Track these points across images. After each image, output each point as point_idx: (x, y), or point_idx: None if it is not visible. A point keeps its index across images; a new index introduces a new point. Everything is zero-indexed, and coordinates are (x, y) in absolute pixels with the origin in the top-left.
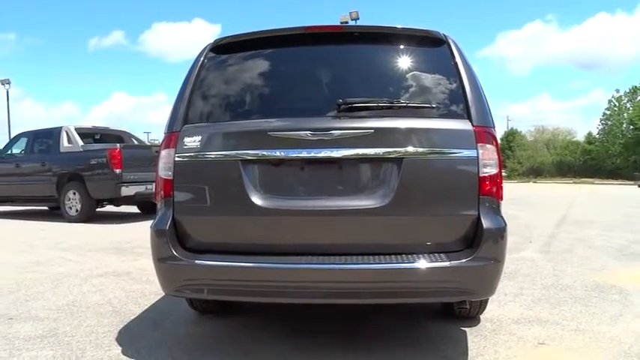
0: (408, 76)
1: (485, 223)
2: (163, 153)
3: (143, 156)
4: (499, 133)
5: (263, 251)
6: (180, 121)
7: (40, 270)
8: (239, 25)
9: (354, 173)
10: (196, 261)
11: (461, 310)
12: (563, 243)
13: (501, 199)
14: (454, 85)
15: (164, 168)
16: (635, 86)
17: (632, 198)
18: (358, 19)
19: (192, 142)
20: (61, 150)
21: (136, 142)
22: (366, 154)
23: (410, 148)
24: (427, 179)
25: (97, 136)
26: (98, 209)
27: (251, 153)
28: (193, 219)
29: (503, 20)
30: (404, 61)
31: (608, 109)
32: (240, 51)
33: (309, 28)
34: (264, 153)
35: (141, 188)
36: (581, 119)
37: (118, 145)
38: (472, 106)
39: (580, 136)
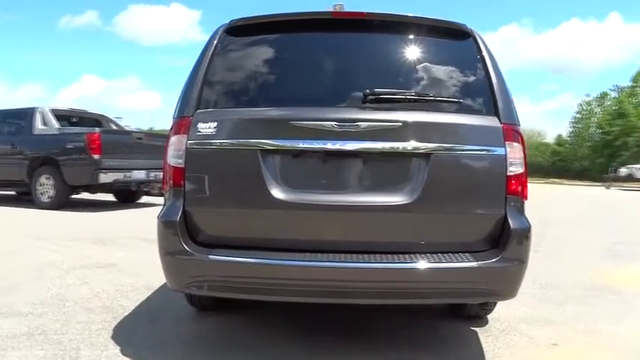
0: (433, 68)
1: (512, 223)
2: (173, 139)
3: (123, 142)
4: None
5: (282, 247)
6: (192, 106)
7: (17, 261)
8: (220, 11)
9: (381, 168)
10: (210, 256)
11: (471, 310)
12: (552, 243)
13: (526, 198)
14: (481, 80)
15: (174, 155)
16: (604, 92)
17: (603, 198)
18: None
19: (206, 128)
20: (35, 132)
21: (114, 127)
22: (393, 148)
23: (438, 144)
24: (455, 176)
25: (74, 119)
26: (72, 196)
27: (271, 142)
28: (206, 210)
29: (479, 23)
30: (430, 53)
31: (578, 112)
32: (257, 34)
33: (333, 13)
34: (286, 143)
35: (120, 175)
36: (551, 121)
37: (96, 129)
38: (500, 102)
39: (550, 138)
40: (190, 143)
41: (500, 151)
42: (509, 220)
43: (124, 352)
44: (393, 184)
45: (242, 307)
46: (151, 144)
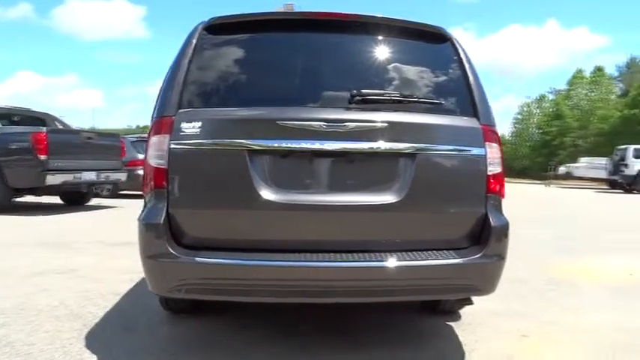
0: (414, 70)
1: (493, 221)
2: (155, 139)
3: (71, 142)
4: None
5: (269, 248)
6: (173, 106)
7: None
8: (165, 8)
9: (368, 168)
10: (197, 258)
11: (445, 306)
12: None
13: (503, 197)
14: (460, 83)
15: (156, 156)
16: (543, 94)
17: (544, 196)
18: None
19: (190, 128)
20: None
21: (61, 127)
22: (380, 148)
23: (423, 144)
24: (438, 176)
25: (16, 118)
26: (16, 199)
27: (259, 143)
28: (191, 212)
29: None
30: (410, 55)
31: (519, 113)
32: (238, 33)
33: (316, 13)
34: (274, 143)
35: (69, 177)
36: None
37: (43, 128)
38: (478, 104)
39: None
40: (173, 143)
41: (480, 151)
42: (490, 218)
43: None
44: (381, 184)
45: (219, 309)
46: (101, 144)
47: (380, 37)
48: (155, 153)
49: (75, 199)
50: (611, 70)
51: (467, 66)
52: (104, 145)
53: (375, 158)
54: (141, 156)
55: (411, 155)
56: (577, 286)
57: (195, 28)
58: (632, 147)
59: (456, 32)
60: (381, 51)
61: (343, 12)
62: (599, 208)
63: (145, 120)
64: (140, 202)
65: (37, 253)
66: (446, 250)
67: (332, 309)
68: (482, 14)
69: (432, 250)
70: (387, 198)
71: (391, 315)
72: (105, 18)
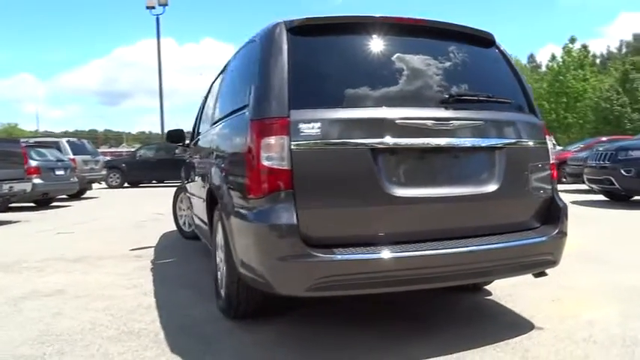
0: (481, 71)
1: (560, 203)
2: (270, 141)
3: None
4: None
5: (396, 240)
6: (284, 107)
7: None
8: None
9: (469, 161)
10: (337, 256)
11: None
12: None
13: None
14: (514, 83)
15: (276, 157)
16: None
17: None
18: (167, 4)
19: (310, 128)
20: None
21: None
22: (479, 144)
23: (510, 139)
24: (521, 166)
25: None
26: None
27: (381, 141)
28: (318, 212)
29: None
30: (475, 58)
31: None
32: (328, 34)
33: (398, 18)
34: (394, 141)
35: None
36: None
37: None
38: (533, 102)
39: None
40: (294, 144)
41: (546, 143)
42: (557, 200)
43: None
44: (479, 176)
45: (286, 311)
46: None
47: (450, 41)
48: (272, 154)
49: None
50: None
51: (515, 68)
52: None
53: (473, 152)
54: (34, 163)
55: (501, 149)
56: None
57: (277, 30)
58: None
59: None
60: (454, 53)
61: (420, 18)
62: None
63: None
64: (43, 214)
65: None
66: (525, 230)
67: (393, 302)
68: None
69: (517, 231)
70: (487, 188)
71: (439, 299)
72: None
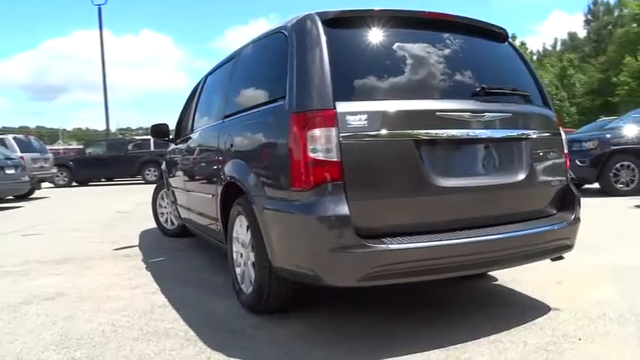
0: (501, 65)
1: (574, 190)
2: (318, 132)
3: None
4: None
5: (439, 229)
6: (329, 99)
7: None
8: None
9: (502, 152)
10: (391, 245)
11: None
12: None
13: None
14: (528, 77)
15: (325, 149)
16: None
17: None
18: None
19: (357, 120)
20: None
21: None
22: (509, 135)
23: (533, 130)
24: (543, 156)
25: None
26: None
27: (424, 132)
28: (368, 202)
29: (229, 16)
30: (495, 52)
31: None
32: (358, 26)
33: (428, 13)
34: (437, 132)
35: None
36: None
37: None
38: (547, 95)
39: None
40: (343, 136)
41: (560, 134)
42: (572, 188)
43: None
44: (509, 165)
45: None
46: None
47: (473, 36)
48: (320, 146)
49: None
50: None
51: (528, 62)
52: None
53: (504, 143)
54: None
55: (527, 139)
56: None
57: (313, 22)
58: None
59: (259, 23)
60: (478, 48)
61: (447, 13)
62: None
63: None
64: None
65: None
66: (545, 217)
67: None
68: (286, 5)
69: (539, 218)
70: (516, 177)
71: (453, 287)
72: None
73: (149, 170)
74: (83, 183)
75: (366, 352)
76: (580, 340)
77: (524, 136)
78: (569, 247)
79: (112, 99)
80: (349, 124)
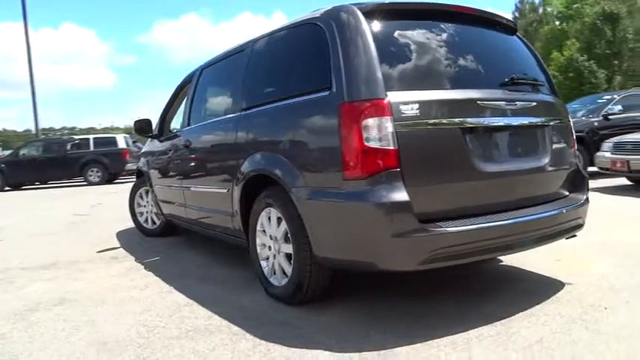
0: (519, 57)
1: (584, 172)
2: (375, 122)
3: None
4: None
5: (483, 212)
6: (381, 89)
7: None
8: None
9: (531, 138)
10: (448, 229)
11: None
12: None
13: None
14: (538, 67)
15: (381, 138)
16: None
17: None
18: None
19: (409, 109)
20: None
21: None
22: (536, 122)
23: (552, 117)
24: (559, 141)
25: None
26: None
27: (470, 121)
28: (423, 188)
29: (158, 9)
30: (513, 45)
31: None
32: (397, 18)
33: (457, 7)
34: (478, 120)
35: None
36: None
37: None
38: (554, 85)
39: None
40: (397, 124)
41: (569, 121)
42: (582, 170)
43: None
44: (535, 150)
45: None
46: None
47: (494, 29)
48: (377, 135)
49: None
50: None
51: (536, 53)
52: None
53: (532, 130)
54: None
55: (549, 126)
56: None
57: (354, 13)
58: None
59: (190, 17)
60: (499, 40)
61: (472, 7)
62: None
63: None
64: None
65: None
66: (560, 199)
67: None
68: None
69: (556, 200)
70: (542, 161)
71: (469, 270)
72: None
73: (92, 171)
74: (17, 187)
75: (421, 331)
76: (606, 309)
77: (546, 123)
78: (581, 226)
79: (29, 96)
80: (402, 113)
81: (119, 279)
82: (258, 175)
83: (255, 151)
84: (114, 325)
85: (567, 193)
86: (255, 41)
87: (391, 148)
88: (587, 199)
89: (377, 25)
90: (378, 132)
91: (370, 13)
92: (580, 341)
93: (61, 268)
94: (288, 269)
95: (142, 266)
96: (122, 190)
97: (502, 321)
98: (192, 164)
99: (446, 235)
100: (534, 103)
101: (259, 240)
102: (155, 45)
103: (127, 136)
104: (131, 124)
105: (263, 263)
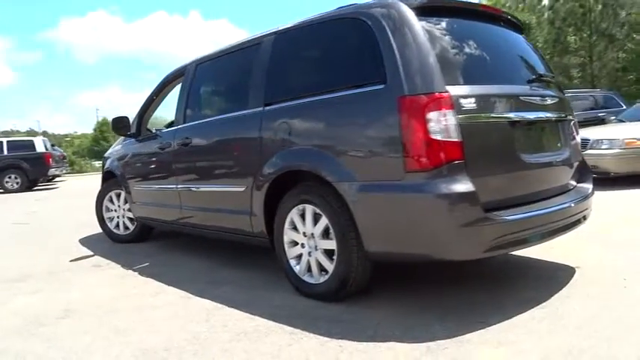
0: (532, 55)
1: (589, 166)
2: (436, 114)
3: None
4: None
5: (530, 200)
6: (442, 83)
7: None
8: None
9: (556, 131)
10: (509, 217)
11: None
12: None
13: None
14: (544, 64)
15: (446, 130)
16: None
17: None
18: None
19: (468, 102)
20: None
21: None
22: (560, 116)
23: (566, 112)
24: (571, 134)
25: None
26: None
27: (516, 114)
28: (482, 179)
29: (65, 4)
30: (523, 44)
31: None
32: (441, 15)
33: (488, 7)
34: (522, 114)
35: None
36: None
37: None
38: (559, 82)
39: None
40: (461, 118)
41: (574, 116)
42: (587, 164)
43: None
44: (560, 143)
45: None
46: None
47: (513, 29)
48: (441, 127)
49: None
50: None
51: (539, 51)
52: None
53: (559, 123)
54: None
55: (566, 120)
56: None
57: (404, 9)
58: None
59: (98, 14)
60: (518, 40)
61: (498, 8)
62: None
63: None
64: None
65: None
66: (571, 190)
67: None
68: None
69: (570, 190)
70: (565, 153)
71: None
72: None
73: (9, 177)
74: None
75: (476, 317)
76: (626, 287)
77: (565, 118)
78: (589, 216)
79: None
80: (463, 106)
81: (118, 287)
82: (288, 172)
83: (287, 146)
84: (149, 334)
85: (576, 184)
86: (276, 35)
87: (456, 140)
88: (593, 189)
89: (426, 21)
90: (444, 124)
91: (418, 9)
92: (626, 317)
93: (40, 280)
94: (329, 265)
95: (136, 273)
96: (52, 196)
97: (542, 304)
98: (195, 163)
99: (508, 223)
100: (557, 99)
101: (287, 237)
102: (62, 40)
103: (45, 139)
104: (36, 128)
105: (292, 262)
